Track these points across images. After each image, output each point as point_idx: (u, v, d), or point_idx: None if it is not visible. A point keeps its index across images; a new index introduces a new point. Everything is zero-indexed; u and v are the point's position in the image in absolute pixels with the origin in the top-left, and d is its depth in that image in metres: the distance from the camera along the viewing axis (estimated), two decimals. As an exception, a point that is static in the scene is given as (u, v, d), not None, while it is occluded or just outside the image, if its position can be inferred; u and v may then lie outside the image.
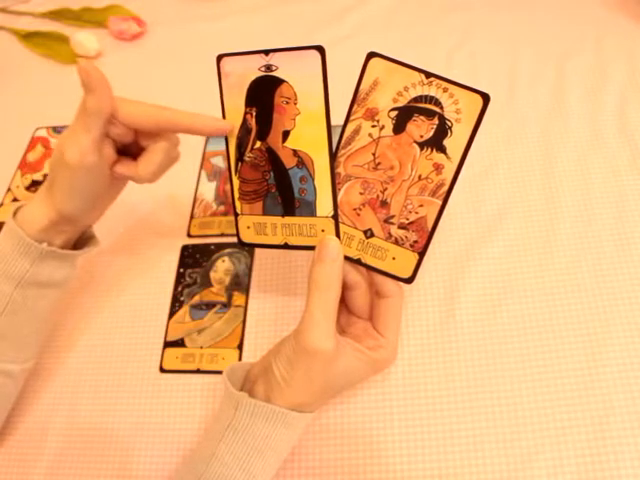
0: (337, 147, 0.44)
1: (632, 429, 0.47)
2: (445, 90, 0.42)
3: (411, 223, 0.44)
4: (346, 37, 0.78)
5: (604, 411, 0.48)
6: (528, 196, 0.60)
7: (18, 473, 0.53)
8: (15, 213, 0.48)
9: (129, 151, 0.48)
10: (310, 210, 0.44)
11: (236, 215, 0.47)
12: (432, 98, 0.42)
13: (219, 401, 0.53)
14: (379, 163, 0.44)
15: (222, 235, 0.62)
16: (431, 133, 0.42)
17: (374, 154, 0.44)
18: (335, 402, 0.52)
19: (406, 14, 0.80)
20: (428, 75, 0.42)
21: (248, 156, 0.46)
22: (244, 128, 0.45)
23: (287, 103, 0.43)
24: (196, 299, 0.59)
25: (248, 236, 0.47)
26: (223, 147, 0.47)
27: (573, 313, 0.53)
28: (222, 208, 0.64)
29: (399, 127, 0.43)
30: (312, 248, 0.44)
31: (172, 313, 0.59)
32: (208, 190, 0.66)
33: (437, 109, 0.42)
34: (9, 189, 0.70)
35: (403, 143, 0.43)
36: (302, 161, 0.44)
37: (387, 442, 0.50)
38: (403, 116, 0.43)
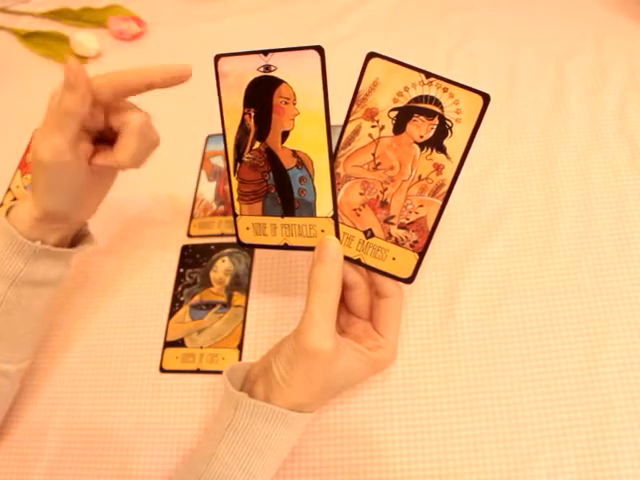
0: (337, 147, 0.44)
1: (632, 429, 0.47)
2: (445, 90, 0.42)
3: (411, 223, 0.44)
4: (346, 37, 0.78)
5: (604, 411, 0.48)
6: (528, 196, 0.60)
7: (18, 473, 0.53)
8: (7, 212, 0.47)
9: (105, 138, 0.46)
10: (310, 210, 0.44)
11: (235, 216, 0.47)
12: (432, 98, 0.42)
13: (219, 401, 0.53)
14: (379, 163, 0.44)
15: (222, 235, 0.62)
16: (431, 133, 0.42)
17: (374, 154, 0.44)
18: (335, 402, 0.52)
19: (406, 14, 0.80)
20: (428, 75, 0.42)
21: (247, 157, 0.46)
22: (243, 128, 0.45)
23: (286, 103, 0.43)
24: (196, 299, 0.59)
25: (247, 237, 0.47)
26: (223, 147, 0.47)
27: (573, 313, 0.53)
28: (222, 208, 0.64)
29: (399, 127, 0.43)
30: (312, 249, 0.44)
31: (172, 313, 0.59)
32: (208, 190, 0.66)
33: (437, 109, 0.42)
34: (9, 189, 0.70)
35: (403, 143, 0.43)
36: (301, 161, 0.44)
37: (387, 442, 0.50)
38: (403, 116, 0.43)
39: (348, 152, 0.44)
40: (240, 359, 0.55)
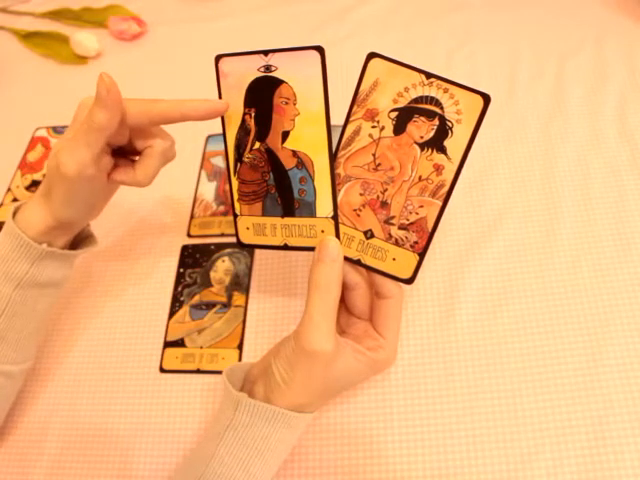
0: (337, 148, 0.44)
1: (632, 429, 0.47)
2: (445, 91, 0.42)
3: (411, 224, 0.44)
4: (346, 37, 0.78)
5: (604, 411, 0.48)
6: (528, 196, 0.60)
7: (18, 473, 0.53)
8: (14, 214, 0.47)
9: (122, 151, 0.47)
10: (310, 211, 0.44)
11: (235, 216, 0.47)
12: (432, 99, 0.42)
13: (219, 401, 0.53)
14: (379, 164, 0.44)
15: (222, 235, 0.62)
16: (431, 134, 0.42)
17: (374, 155, 0.44)
18: (335, 402, 0.52)
19: (406, 14, 0.80)
20: (428, 76, 0.42)
21: (247, 157, 0.46)
22: (243, 129, 0.45)
23: (286, 104, 0.43)
24: (196, 299, 0.59)
25: (247, 237, 0.47)
26: (223, 147, 0.47)
27: (573, 313, 0.53)
28: (222, 208, 0.64)
29: (399, 128, 0.43)
30: (312, 249, 0.44)
31: (172, 313, 0.59)
32: (208, 190, 0.66)
33: (437, 110, 0.42)
34: (9, 189, 0.70)
35: (403, 144, 0.43)
36: (302, 162, 0.44)
37: (387, 442, 0.50)
38: (403, 117, 0.43)
39: (348, 152, 0.44)
40: (240, 359, 0.55)
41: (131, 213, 0.66)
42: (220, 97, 0.45)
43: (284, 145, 0.44)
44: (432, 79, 0.42)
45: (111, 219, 0.64)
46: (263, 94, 0.44)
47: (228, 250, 0.61)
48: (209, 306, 0.58)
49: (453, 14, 0.78)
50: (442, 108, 0.42)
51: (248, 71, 0.44)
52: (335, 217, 0.44)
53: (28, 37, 0.88)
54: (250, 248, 0.61)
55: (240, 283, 0.59)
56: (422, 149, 0.43)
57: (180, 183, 0.66)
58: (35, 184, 0.70)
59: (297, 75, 0.42)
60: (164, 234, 0.64)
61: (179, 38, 0.84)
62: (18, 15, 0.92)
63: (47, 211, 0.46)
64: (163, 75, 0.79)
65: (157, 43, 0.84)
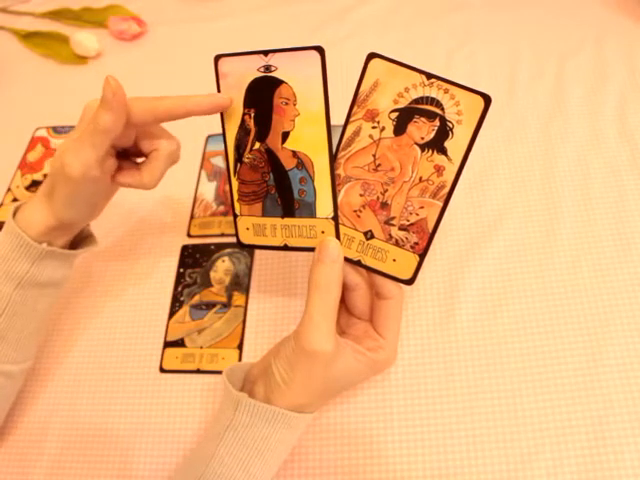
0: (337, 148, 0.44)
1: (632, 429, 0.47)
2: (446, 91, 0.42)
3: (412, 225, 0.44)
4: (346, 37, 0.78)
5: (604, 411, 0.48)
6: (528, 196, 0.60)
7: (18, 473, 0.53)
8: (15, 213, 0.47)
9: (126, 153, 0.48)
10: (310, 211, 0.44)
11: (235, 216, 0.47)
12: (433, 99, 0.42)
13: (219, 401, 0.53)
14: (379, 165, 0.44)
15: (222, 235, 0.62)
16: (432, 135, 0.42)
17: (374, 155, 0.44)
18: (335, 402, 0.52)
19: (406, 14, 0.80)
20: (429, 76, 0.42)
21: (247, 157, 0.46)
22: (243, 129, 0.45)
23: (286, 104, 0.43)
24: (196, 299, 0.59)
25: (247, 237, 0.47)
26: (223, 147, 0.47)
27: (573, 313, 0.53)
28: (222, 208, 0.64)
29: (400, 128, 0.43)
30: (312, 249, 0.44)
31: (172, 313, 0.59)
32: (208, 190, 0.66)
33: (438, 110, 0.42)
34: (9, 189, 0.70)
35: (404, 145, 0.43)
36: (302, 162, 0.44)
37: (387, 442, 0.50)
38: (404, 117, 0.43)
39: (348, 153, 0.44)
40: (240, 359, 0.55)
41: (131, 213, 0.66)
42: (220, 97, 0.45)
43: (284, 145, 0.44)
44: (432, 80, 0.42)
45: (111, 219, 0.64)
46: (263, 94, 0.44)
47: (228, 250, 0.61)
48: (209, 306, 0.58)
49: (453, 14, 0.78)
50: (443, 109, 0.42)
51: (248, 71, 0.43)
52: (335, 218, 0.44)
53: (28, 37, 0.88)
54: (250, 248, 0.61)
55: (240, 283, 0.59)
56: (423, 150, 0.43)
57: (180, 183, 0.66)
58: (35, 184, 0.70)
59: (297, 75, 0.42)
60: (164, 234, 0.64)
61: (179, 38, 0.84)
62: (18, 15, 0.92)
63: (49, 211, 0.46)
64: (163, 75, 0.79)
65: (157, 43, 0.84)
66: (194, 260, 0.61)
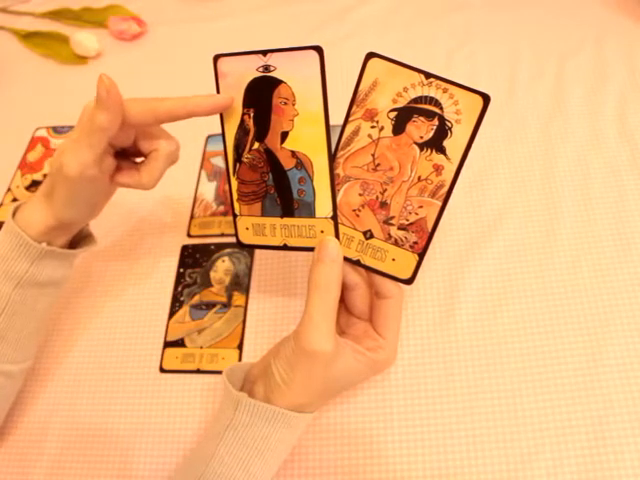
0: (336, 148, 0.44)
1: (632, 429, 0.47)
2: (445, 91, 0.41)
3: (411, 224, 0.44)
4: (346, 37, 0.78)
5: (604, 411, 0.48)
6: (528, 196, 0.60)
7: (18, 473, 0.53)
8: (14, 213, 0.48)
9: (125, 152, 0.48)
10: (309, 211, 0.44)
11: (235, 216, 0.47)
12: (432, 99, 0.42)
13: (219, 401, 0.53)
14: (378, 164, 0.44)
15: (222, 235, 0.62)
16: (431, 134, 0.42)
17: (373, 155, 0.44)
18: (335, 402, 0.52)
19: (406, 14, 0.80)
20: (428, 76, 0.42)
21: (246, 157, 0.46)
22: (242, 129, 0.45)
23: (285, 104, 0.43)
24: (196, 299, 0.59)
25: (247, 237, 0.47)
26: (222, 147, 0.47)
27: (573, 313, 0.53)
28: (222, 208, 0.64)
29: (399, 128, 0.43)
30: (311, 249, 0.44)
31: (172, 313, 0.59)
32: (208, 190, 0.66)
33: (437, 110, 0.42)
34: (9, 189, 0.71)
35: (403, 144, 0.43)
36: (301, 162, 0.44)
37: (387, 442, 0.50)
38: (403, 117, 0.43)
39: (347, 153, 0.44)
40: (240, 359, 0.55)
41: (131, 213, 0.66)
42: (219, 97, 0.45)
43: (283, 145, 0.44)
44: (431, 79, 0.42)
45: (111, 219, 0.64)
46: (262, 94, 0.44)
47: (228, 250, 0.61)
48: (209, 306, 0.58)
49: (453, 14, 0.78)
50: (441, 108, 0.42)
51: (247, 71, 0.44)
52: (334, 217, 0.44)
53: (28, 37, 0.88)
54: (250, 248, 0.61)
55: (240, 283, 0.59)
56: (421, 149, 0.43)
57: (180, 183, 0.66)
58: (35, 184, 0.70)
59: (296, 75, 0.42)
60: (164, 234, 0.64)
61: (179, 38, 0.84)
62: (18, 15, 0.92)
63: (48, 211, 0.46)
64: (163, 75, 0.79)
65: (157, 43, 0.84)
66: (194, 260, 0.61)
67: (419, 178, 0.43)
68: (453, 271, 0.56)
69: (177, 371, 0.55)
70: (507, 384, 0.50)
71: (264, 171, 0.45)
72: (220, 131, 0.46)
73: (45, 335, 0.58)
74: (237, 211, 0.47)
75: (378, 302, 0.46)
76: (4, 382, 0.49)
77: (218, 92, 0.45)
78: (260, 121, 0.44)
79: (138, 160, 0.49)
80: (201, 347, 0.56)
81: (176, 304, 0.59)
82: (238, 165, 0.46)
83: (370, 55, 0.42)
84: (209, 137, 0.70)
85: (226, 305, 0.58)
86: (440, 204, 0.43)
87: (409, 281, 0.45)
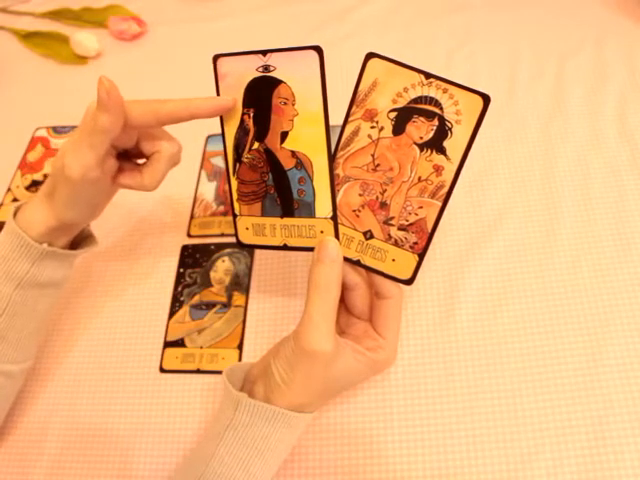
0: (336, 148, 0.44)
1: (632, 429, 0.47)
2: (445, 91, 0.41)
3: (411, 224, 0.44)
4: (346, 37, 0.78)
5: (604, 411, 0.48)
6: (528, 196, 0.60)
7: (18, 473, 0.53)
8: (15, 213, 0.48)
9: (127, 154, 0.48)
10: (309, 211, 0.44)
11: (235, 216, 0.47)
12: (432, 99, 0.42)
13: (219, 401, 0.53)
14: (378, 164, 0.44)
15: (222, 235, 0.62)
16: (431, 134, 0.42)
17: (373, 155, 0.44)
18: (335, 402, 0.52)
19: (406, 14, 0.80)
20: (428, 76, 0.42)
21: (246, 157, 0.46)
22: (242, 129, 0.45)
23: (285, 104, 0.43)
24: (196, 299, 0.59)
25: (247, 237, 0.47)
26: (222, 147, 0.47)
27: (573, 313, 0.53)
28: (222, 208, 0.64)
29: (398, 128, 0.43)
30: (311, 249, 0.44)
31: (172, 313, 0.59)
32: (208, 190, 0.66)
33: (437, 110, 0.42)
34: (9, 189, 0.71)
35: (403, 144, 0.43)
36: (301, 162, 0.44)
37: (387, 442, 0.50)
38: (402, 117, 0.43)
39: (347, 153, 0.44)
40: (240, 359, 0.55)
41: (131, 213, 0.66)
42: (219, 97, 0.45)
43: (283, 145, 0.44)
44: (431, 79, 0.42)
45: (111, 219, 0.64)
46: (262, 94, 0.44)
47: (228, 250, 0.61)
48: (209, 306, 0.58)
49: (453, 14, 0.78)
50: (441, 108, 0.42)
51: (246, 71, 0.43)
52: (334, 217, 0.44)
53: (28, 37, 0.88)
54: (250, 248, 0.61)
55: (240, 283, 0.59)
56: (421, 150, 0.43)
57: (180, 183, 0.66)
58: (35, 184, 0.70)
59: (296, 75, 0.42)
60: (164, 234, 0.64)
61: (179, 38, 0.84)
62: (18, 15, 0.92)
63: (49, 211, 0.46)
64: (163, 75, 0.79)
65: (157, 43, 0.84)
66: (194, 260, 0.61)
67: (419, 179, 0.43)
68: (453, 271, 0.56)
69: (177, 371, 0.55)
70: (507, 384, 0.50)
71: (264, 171, 0.45)
72: (220, 131, 0.46)
73: (45, 335, 0.58)
74: (237, 211, 0.47)
75: (378, 302, 0.46)
76: (4, 382, 0.49)
77: (218, 92, 0.45)
78: (260, 121, 0.44)
79: (140, 161, 0.49)
80: (201, 347, 0.56)
81: (176, 304, 0.59)
82: (238, 165, 0.46)
83: (370, 55, 0.42)
84: (209, 137, 0.70)
85: (226, 305, 0.58)
86: (440, 205, 0.43)
87: (409, 281, 0.45)
